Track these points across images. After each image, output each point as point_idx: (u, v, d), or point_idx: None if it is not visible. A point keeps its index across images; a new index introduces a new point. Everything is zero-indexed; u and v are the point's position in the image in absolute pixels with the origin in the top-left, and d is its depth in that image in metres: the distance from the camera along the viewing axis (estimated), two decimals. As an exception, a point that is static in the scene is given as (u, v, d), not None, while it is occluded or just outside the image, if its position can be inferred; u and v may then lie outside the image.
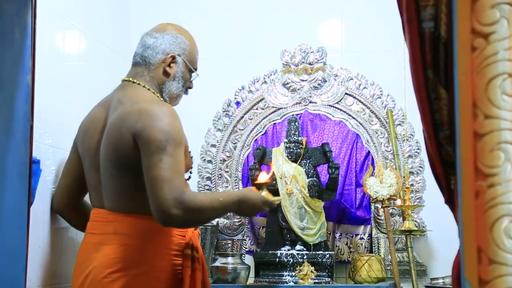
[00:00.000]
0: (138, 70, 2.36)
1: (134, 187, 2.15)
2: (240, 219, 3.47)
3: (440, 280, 3.15)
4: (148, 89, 2.32)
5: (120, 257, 2.16)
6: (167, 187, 2.04)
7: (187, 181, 2.32)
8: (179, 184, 2.07)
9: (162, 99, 2.34)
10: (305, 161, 3.30)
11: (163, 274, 2.19)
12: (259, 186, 2.40)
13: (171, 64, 2.36)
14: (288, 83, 3.54)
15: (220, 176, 3.55)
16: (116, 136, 2.17)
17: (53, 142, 2.67)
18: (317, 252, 3.16)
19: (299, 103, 3.53)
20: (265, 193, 2.37)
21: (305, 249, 3.18)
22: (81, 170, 2.38)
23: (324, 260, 3.15)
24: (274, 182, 3.18)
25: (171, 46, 2.37)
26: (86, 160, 2.32)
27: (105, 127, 2.25)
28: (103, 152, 2.23)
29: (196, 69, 2.44)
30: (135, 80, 2.34)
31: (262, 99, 3.57)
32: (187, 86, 2.43)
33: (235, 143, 3.56)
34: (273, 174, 3.15)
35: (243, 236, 3.47)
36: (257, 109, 3.57)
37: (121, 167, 2.17)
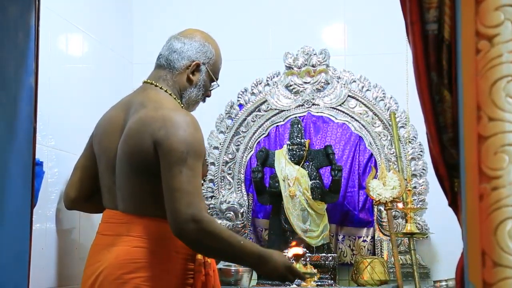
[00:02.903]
0: (161, 73, 2.35)
1: (150, 190, 2.14)
2: (242, 221, 3.47)
3: (444, 283, 3.14)
4: (170, 94, 2.31)
5: (132, 258, 2.15)
6: (185, 201, 2.04)
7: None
8: (199, 201, 2.06)
9: (182, 104, 2.34)
10: (308, 163, 3.30)
11: (173, 278, 2.18)
12: (296, 258, 2.40)
13: (195, 72, 2.37)
14: (291, 86, 3.54)
15: (222, 178, 3.55)
16: (136, 139, 2.17)
17: (56, 144, 2.67)
18: (320, 255, 3.16)
19: (302, 105, 3.52)
20: (298, 265, 2.34)
21: (308, 251, 3.17)
22: (92, 169, 2.38)
23: (327, 262, 3.14)
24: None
25: (197, 53, 2.37)
26: (102, 161, 2.31)
27: (124, 129, 2.24)
28: (120, 153, 2.22)
29: (217, 79, 2.45)
30: (157, 84, 2.33)
31: (265, 102, 3.57)
32: (206, 94, 2.43)
33: (237, 146, 3.56)
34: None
35: (246, 239, 3.47)
36: (260, 111, 3.57)
37: (138, 170, 2.16)
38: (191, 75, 2.36)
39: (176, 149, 2.09)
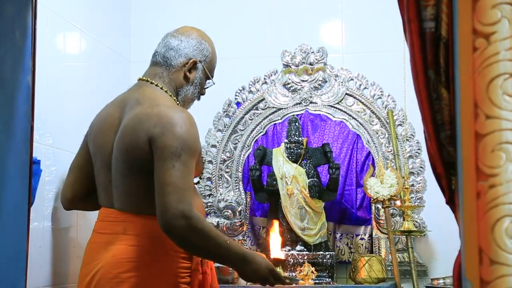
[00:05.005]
0: (157, 71, 2.34)
1: (146, 188, 2.13)
2: (240, 219, 3.47)
3: (441, 281, 3.15)
4: (166, 91, 2.30)
5: (129, 257, 2.14)
6: (176, 196, 2.02)
7: (196, 185, 2.30)
8: (189, 197, 2.05)
9: (178, 102, 2.33)
10: (305, 162, 3.30)
11: (171, 276, 2.17)
12: (277, 262, 2.36)
13: (192, 70, 2.36)
14: (288, 84, 3.54)
15: (220, 176, 3.54)
16: (131, 136, 2.15)
17: (53, 143, 2.67)
18: (318, 253, 3.16)
19: (299, 104, 3.52)
20: (278, 269, 2.29)
21: (305, 249, 3.18)
22: (88, 168, 2.36)
23: (324, 260, 3.15)
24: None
25: (194, 51, 2.37)
26: (98, 159, 2.29)
27: (119, 126, 2.23)
28: (116, 151, 2.21)
29: (212, 77, 2.44)
30: (153, 81, 2.31)
31: (262, 100, 3.57)
32: (201, 92, 2.43)
33: (235, 144, 3.56)
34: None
35: (244, 237, 3.47)
36: (257, 109, 3.57)
37: (134, 167, 2.15)
38: (188, 73, 2.35)
39: (171, 145, 2.08)
